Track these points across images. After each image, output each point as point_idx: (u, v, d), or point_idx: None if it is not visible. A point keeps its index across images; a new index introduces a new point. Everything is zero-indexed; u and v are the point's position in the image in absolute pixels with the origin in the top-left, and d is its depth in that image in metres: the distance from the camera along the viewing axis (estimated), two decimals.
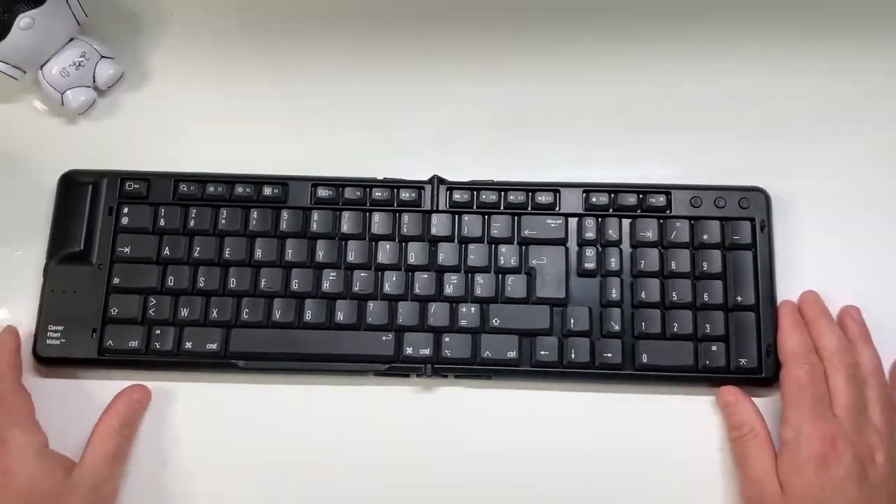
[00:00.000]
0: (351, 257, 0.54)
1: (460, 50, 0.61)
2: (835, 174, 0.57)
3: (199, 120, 0.60)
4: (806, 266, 0.55)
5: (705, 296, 0.53)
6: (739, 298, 0.53)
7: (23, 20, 0.54)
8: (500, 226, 0.55)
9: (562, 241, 0.55)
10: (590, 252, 0.54)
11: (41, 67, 0.57)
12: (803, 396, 0.48)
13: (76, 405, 0.52)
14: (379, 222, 0.55)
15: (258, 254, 0.54)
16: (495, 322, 0.53)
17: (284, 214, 0.55)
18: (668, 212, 0.55)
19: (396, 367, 0.53)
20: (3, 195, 0.58)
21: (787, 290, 0.54)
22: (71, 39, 0.58)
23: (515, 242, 0.55)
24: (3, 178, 0.59)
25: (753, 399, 0.52)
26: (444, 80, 0.60)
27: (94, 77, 0.59)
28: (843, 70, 0.60)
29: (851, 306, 0.53)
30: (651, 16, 0.61)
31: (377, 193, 0.56)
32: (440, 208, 0.56)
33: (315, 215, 0.55)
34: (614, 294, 0.54)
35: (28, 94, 0.60)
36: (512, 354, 0.53)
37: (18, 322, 0.54)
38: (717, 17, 0.61)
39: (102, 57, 0.59)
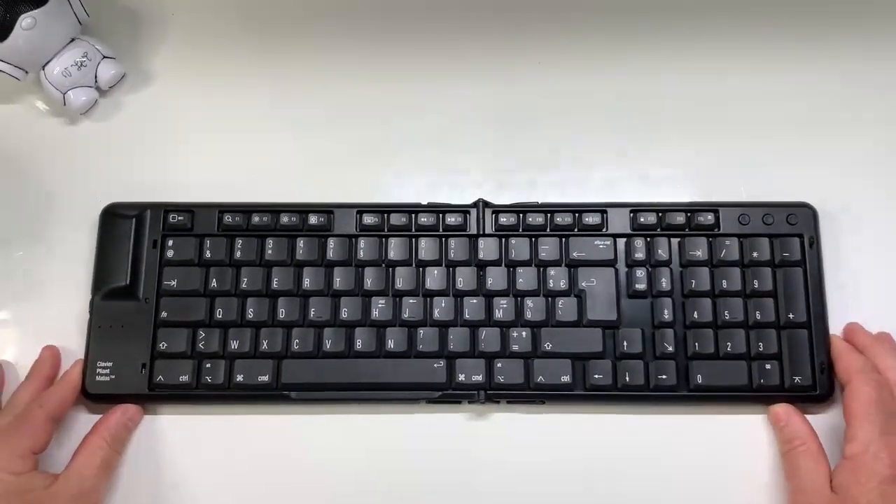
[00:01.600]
0: (399, 284, 0.54)
1: (461, 50, 0.61)
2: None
3: (202, 120, 0.60)
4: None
5: (757, 314, 0.53)
6: (791, 316, 0.53)
7: (25, 20, 0.54)
8: (547, 248, 0.55)
9: (611, 262, 0.54)
10: (640, 273, 0.54)
11: (43, 67, 0.57)
12: (874, 412, 0.48)
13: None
14: (425, 248, 0.55)
15: (306, 283, 0.54)
16: (547, 346, 0.53)
17: (330, 243, 0.55)
18: (716, 230, 0.55)
19: (449, 394, 0.53)
20: (3, 195, 0.58)
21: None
22: (73, 39, 0.58)
23: (564, 265, 0.54)
24: (4, 178, 0.58)
25: (808, 416, 0.51)
26: (446, 82, 0.60)
27: (95, 77, 0.58)
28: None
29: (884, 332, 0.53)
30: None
31: (422, 219, 0.55)
32: (486, 232, 0.55)
33: (361, 242, 0.55)
34: (666, 315, 0.53)
35: (30, 94, 0.60)
36: (566, 379, 0.52)
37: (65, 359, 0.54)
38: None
39: (104, 57, 0.59)
